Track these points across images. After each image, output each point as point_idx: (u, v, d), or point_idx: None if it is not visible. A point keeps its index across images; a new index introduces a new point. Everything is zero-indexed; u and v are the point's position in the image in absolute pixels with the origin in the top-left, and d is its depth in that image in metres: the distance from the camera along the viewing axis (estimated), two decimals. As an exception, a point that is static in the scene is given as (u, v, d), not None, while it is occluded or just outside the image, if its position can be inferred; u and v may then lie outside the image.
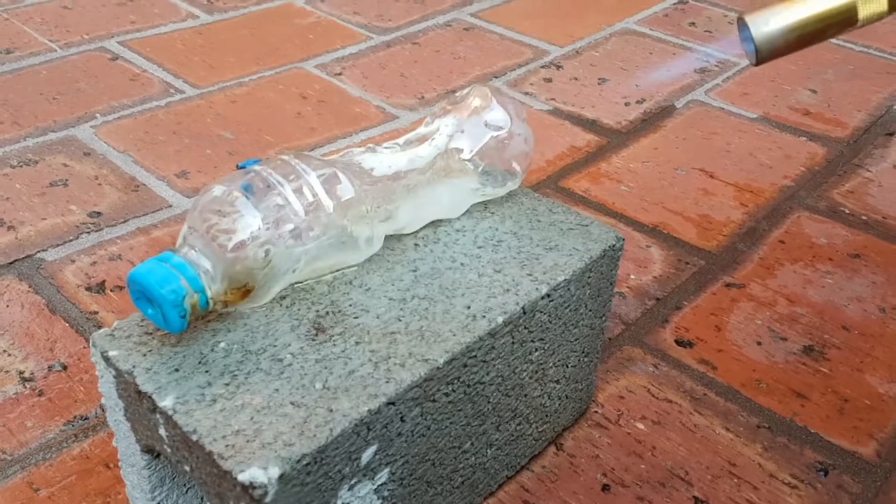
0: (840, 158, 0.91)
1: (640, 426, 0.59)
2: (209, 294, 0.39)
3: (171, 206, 0.79)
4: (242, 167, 0.45)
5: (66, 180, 0.82)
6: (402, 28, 1.19)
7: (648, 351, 0.65)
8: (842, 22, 0.51)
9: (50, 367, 0.61)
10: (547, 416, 0.55)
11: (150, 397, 0.39)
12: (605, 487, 0.54)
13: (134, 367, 0.40)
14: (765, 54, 0.51)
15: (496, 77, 1.06)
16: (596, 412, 0.60)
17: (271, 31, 1.16)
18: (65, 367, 0.61)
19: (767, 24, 0.50)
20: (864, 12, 0.51)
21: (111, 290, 0.68)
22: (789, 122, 0.98)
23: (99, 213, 0.77)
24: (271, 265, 0.41)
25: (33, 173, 0.83)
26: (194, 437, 0.37)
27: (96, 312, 0.66)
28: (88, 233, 0.75)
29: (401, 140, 0.53)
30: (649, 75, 1.06)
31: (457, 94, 0.55)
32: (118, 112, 0.94)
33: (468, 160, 0.52)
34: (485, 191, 0.53)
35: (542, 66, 1.09)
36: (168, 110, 0.95)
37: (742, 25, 0.51)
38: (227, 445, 0.37)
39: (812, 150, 0.93)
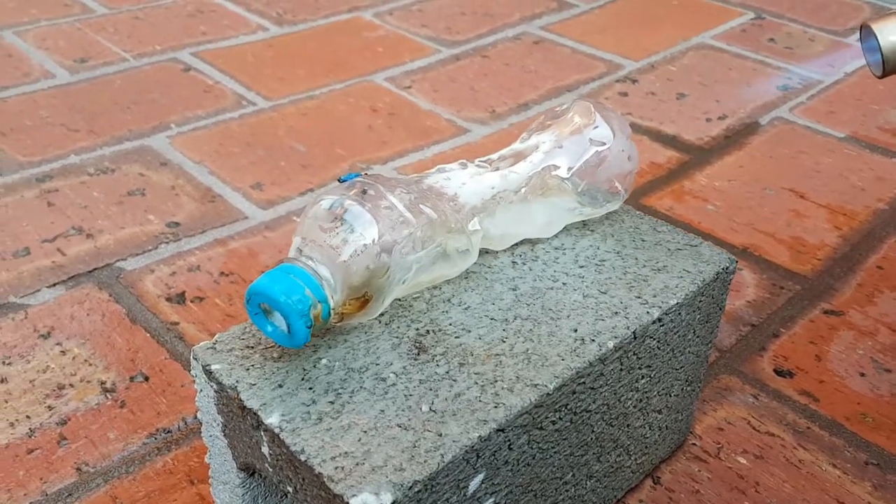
0: (937, 181, 0.87)
1: (742, 460, 0.56)
2: (331, 304, 0.38)
3: (247, 217, 0.78)
4: (344, 180, 0.43)
5: (144, 189, 0.82)
6: (470, 41, 1.17)
7: (746, 380, 0.62)
8: None
9: (132, 378, 0.60)
10: (646, 447, 0.52)
11: (254, 413, 0.38)
12: (708, 524, 0.51)
13: (238, 381, 0.39)
14: (892, 65, 0.47)
15: (569, 91, 1.04)
16: (694, 444, 0.57)
17: (340, 44, 1.15)
18: (146, 378, 0.60)
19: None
20: None
21: (191, 301, 0.67)
22: (879, 143, 0.94)
23: (177, 224, 0.77)
24: (389, 273, 0.40)
25: (111, 182, 0.83)
26: (302, 458, 0.36)
27: (177, 323, 0.65)
28: (167, 243, 0.74)
29: (495, 155, 0.51)
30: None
31: (557, 109, 0.52)
32: (193, 123, 0.94)
33: (566, 178, 0.49)
34: (582, 210, 0.51)
35: (617, 81, 1.07)
36: (241, 122, 0.95)
37: (867, 33, 0.48)
38: (336, 468, 0.35)
39: (906, 171, 0.89)
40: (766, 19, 1.26)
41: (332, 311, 0.38)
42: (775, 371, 0.63)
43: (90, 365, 0.61)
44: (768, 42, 1.18)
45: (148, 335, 0.64)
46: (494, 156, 0.50)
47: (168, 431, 0.56)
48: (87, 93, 0.99)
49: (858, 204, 0.83)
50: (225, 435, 0.42)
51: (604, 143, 0.49)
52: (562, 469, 0.45)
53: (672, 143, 0.93)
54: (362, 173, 0.44)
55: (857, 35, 1.21)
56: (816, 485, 0.54)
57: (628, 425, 0.49)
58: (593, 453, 0.47)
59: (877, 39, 0.47)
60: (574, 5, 1.30)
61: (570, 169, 0.49)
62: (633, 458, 0.51)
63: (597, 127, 0.50)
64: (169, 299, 0.68)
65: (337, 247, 0.38)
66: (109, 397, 0.59)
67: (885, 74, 0.48)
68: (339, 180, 0.43)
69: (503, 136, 0.94)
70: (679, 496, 0.53)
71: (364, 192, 0.41)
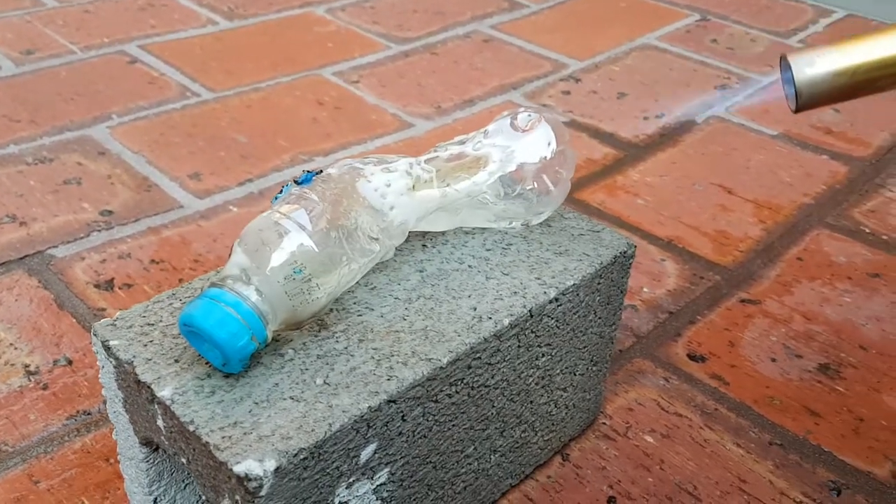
0: (862, 177, 0.90)
1: (649, 439, 0.57)
2: (268, 337, 0.39)
3: (182, 206, 0.79)
4: (302, 182, 0.43)
5: (80, 179, 0.82)
6: (420, 38, 1.19)
7: (659, 364, 0.64)
8: None
9: (55, 362, 0.61)
10: (553, 424, 0.54)
11: (148, 387, 0.39)
12: (611, 500, 0.53)
13: (134, 357, 0.40)
14: (805, 100, 0.44)
15: (514, 89, 1.06)
16: (604, 423, 0.58)
17: (290, 39, 1.16)
18: (70, 362, 0.61)
19: (812, 66, 0.44)
20: None
21: (119, 288, 0.68)
22: (811, 141, 0.97)
23: (111, 212, 0.77)
24: (327, 306, 0.42)
25: (48, 171, 0.83)
26: (191, 428, 0.37)
27: (104, 309, 0.66)
28: (99, 231, 0.75)
29: (444, 153, 0.49)
30: (675, 106, 1.04)
31: (518, 116, 0.51)
32: (134, 113, 0.94)
33: (500, 201, 0.49)
34: (502, 225, 0.51)
35: (561, 79, 1.09)
36: (184, 113, 0.95)
37: (784, 65, 0.45)
38: (223, 437, 0.36)
39: (833, 168, 0.91)
40: (711, 20, 1.29)
41: (266, 340, 0.39)
42: (688, 356, 0.65)
43: (15, 349, 0.62)
44: (710, 43, 1.21)
45: (74, 321, 0.65)
46: (444, 153, 0.50)
47: (88, 413, 0.57)
48: (32, 84, 0.99)
49: (784, 198, 0.86)
50: (126, 410, 0.42)
51: (535, 161, 0.49)
52: (462, 442, 0.46)
53: (609, 140, 0.95)
54: (314, 175, 0.44)
55: (798, 37, 1.25)
56: (719, 463, 0.56)
57: (532, 402, 0.50)
58: (495, 428, 0.48)
59: (791, 71, 0.44)
60: (525, 6, 1.32)
61: (506, 194, 0.49)
62: (539, 435, 0.53)
63: (535, 139, 0.49)
64: (97, 286, 0.68)
65: (282, 282, 0.39)
66: (32, 380, 0.59)
67: (799, 109, 0.45)
68: (295, 181, 0.44)
69: (447, 131, 0.96)
70: (586, 472, 0.55)
71: (315, 219, 0.41)
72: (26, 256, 0.71)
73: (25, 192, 0.79)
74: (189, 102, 0.97)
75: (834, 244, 0.79)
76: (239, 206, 0.80)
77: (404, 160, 0.48)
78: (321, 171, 0.45)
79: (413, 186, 0.47)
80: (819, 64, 0.44)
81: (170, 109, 0.95)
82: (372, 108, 1.00)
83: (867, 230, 0.81)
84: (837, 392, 0.62)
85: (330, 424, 0.38)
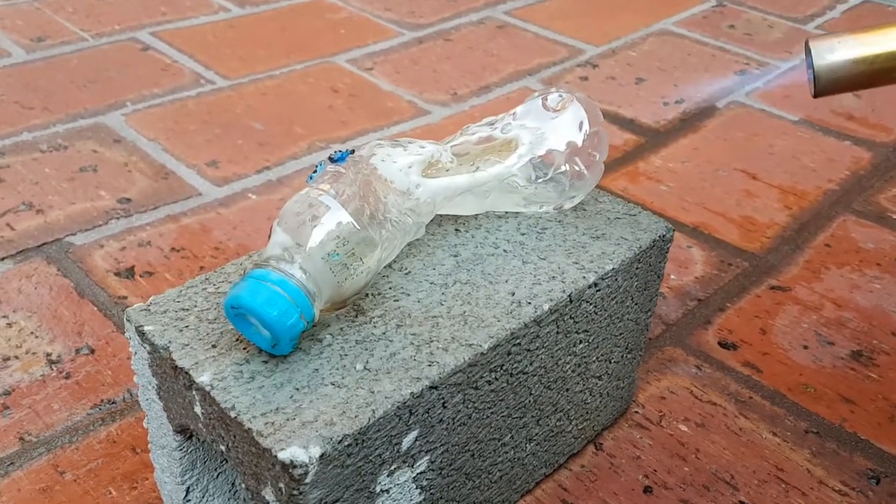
0: (885, 163, 0.89)
1: (683, 428, 0.56)
2: (315, 317, 0.38)
3: (200, 194, 0.78)
4: (337, 160, 0.43)
5: (96, 166, 0.81)
6: (433, 25, 1.18)
7: (690, 352, 0.63)
8: None
9: (77, 350, 0.60)
10: (587, 413, 0.53)
11: (186, 373, 0.38)
12: (647, 489, 0.52)
13: (170, 342, 0.39)
14: (824, 84, 0.45)
15: (531, 75, 1.04)
16: (636, 412, 0.57)
17: (302, 26, 1.15)
18: (92, 351, 0.60)
19: (832, 53, 0.44)
20: None
21: (140, 276, 0.67)
22: (832, 126, 0.95)
23: (128, 200, 0.76)
24: (369, 283, 0.41)
25: (63, 158, 0.82)
26: (232, 414, 0.36)
27: (125, 297, 0.65)
28: (118, 218, 0.74)
29: (473, 136, 0.48)
30: (694, 88, 1.03)
31: (535, 96, 0.50)
32: (148, 101, 0.93)
33: (529, 185, 0.48)
34: (532, 209, 0.50)
35: (578, 65, 1.07)
36: (198, 100, 0.94)
37: (806, 51, 0.45)
38: (266, 423, 0.35)
39: (857, 154, 0.90)
40: (727, 6, 1.27)
41: (314, 318, 0.38)
42: (719, 343, 0.64)
43: (36, 337, 0.61)
44: (728, 28, 1.20)
45: (95, 308, 0.64)
46: (472, 136, 0.48)
47: (112, 402, 0.56)
48: (44, 71, 0.98)
49: (809, 184, 0.85)
50: (160, 397, 0.41)
51: (566, 145, 0.48)
52: (500, 430, 0.45)
53: (629, 126, 0.94)
54: (349, 153, 0.43)
55: (816, 23, 1.23)
56: (756, 451, 0.55)
57: (567, 390, 0.49)
58: (532, 416, 0.47)
59: (812, 57, 0.45)
60: (538, -9, 1.31)
61: (536, 178, 0.48)
62: (573, 424, 0.52)
63: (564, 124, 0.48)
64: (118, 274, 0.67)
65: (326, 258, 0.38)
66: (54, 369, 0.58)
67: (817, 94, 0.46)
68: (330, 159, 0.43)
69: (464, 118, 0.95)
70: (620, 461, 0.54)
71: (354, 203, 0.40)
72: (44, 244, 0.70)
73: (41, 180, 0.78)
74: (203, 90, 0.96)
75: (861, 230, 0.78)
76: (258, 193, 0.79)
77: (433, 145, 0.47)
78: (353, 151, 0.44)
79: (426, 168, 0.45)
80: (839, 51, 0.44)
81: (184, 97, 0.94)
82: (387, 95, 0.98)
83: (894, 216, 0.80)
84: (871, 379, 0.61)
85: (373, 410, 0.37)
